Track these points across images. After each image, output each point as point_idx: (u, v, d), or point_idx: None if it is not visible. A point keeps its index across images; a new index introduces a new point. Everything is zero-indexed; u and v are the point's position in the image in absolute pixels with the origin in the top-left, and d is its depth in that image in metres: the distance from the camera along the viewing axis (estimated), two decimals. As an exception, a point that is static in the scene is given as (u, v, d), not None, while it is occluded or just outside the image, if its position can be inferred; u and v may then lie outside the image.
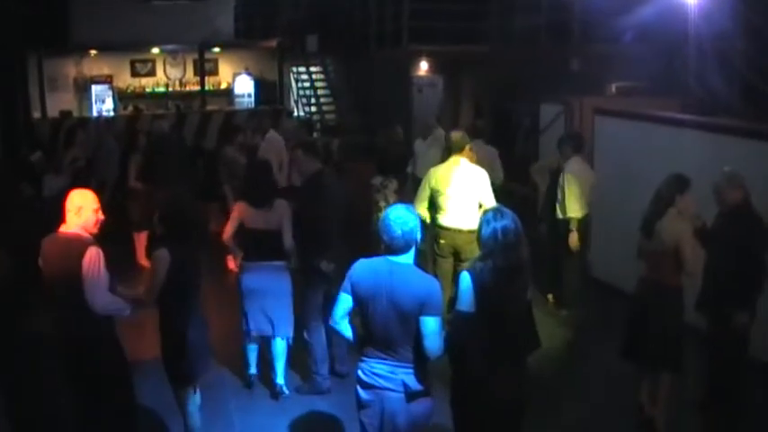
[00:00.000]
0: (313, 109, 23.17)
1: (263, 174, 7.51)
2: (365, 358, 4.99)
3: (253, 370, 7.81)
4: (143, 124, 16.81)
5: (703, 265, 6.78)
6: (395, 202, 7.93)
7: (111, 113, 20.97)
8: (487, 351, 4.97)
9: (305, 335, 7.58)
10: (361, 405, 5.08)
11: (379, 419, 4.97)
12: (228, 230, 7.34)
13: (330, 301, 7.28)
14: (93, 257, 5.59)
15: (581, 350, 8.95)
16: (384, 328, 4.83)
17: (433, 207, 8.34)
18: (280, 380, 7.60)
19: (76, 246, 5.63)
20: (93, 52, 21.30)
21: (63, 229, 5.77)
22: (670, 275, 6.61)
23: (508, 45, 16.78)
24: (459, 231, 8.17)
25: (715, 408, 7.12)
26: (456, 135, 8.42)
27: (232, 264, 7.75)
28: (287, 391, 7.60)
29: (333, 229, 7.53)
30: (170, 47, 21.71)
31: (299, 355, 7.87)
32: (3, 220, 9.46)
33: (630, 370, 7.17)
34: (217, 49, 22.23)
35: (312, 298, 7.58)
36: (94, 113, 20.99)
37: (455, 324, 5.08)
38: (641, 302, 6.83)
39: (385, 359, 4.90)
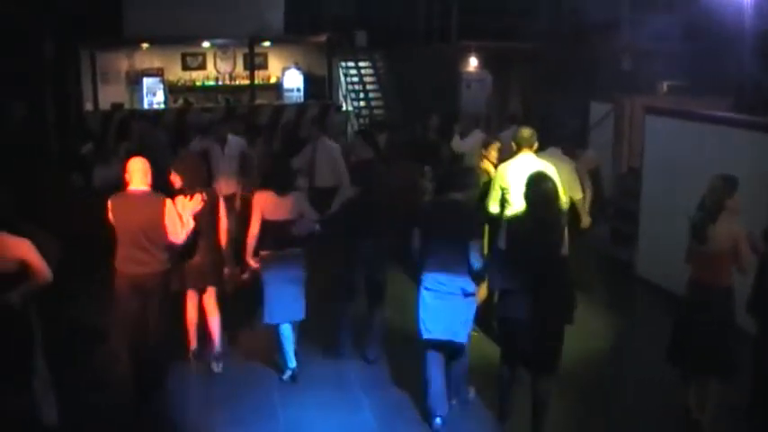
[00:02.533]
0: (362, 104, 23.18)
1: (282, 162, 7.89)
2: None
3: (292, 363, 7.86)
4: (192, 117, 16.97)
5: (757, 265, 6.69)
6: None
7: (162, 106, 21.15)
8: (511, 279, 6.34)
9: None
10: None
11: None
12: (255, 227, 7.64)
13: (372, 286, 8.15)
14: (170, 206, 7.14)
15: (626, 352, 8.86)
16: None
17: (504, 204, 8.16)
18: (292, 364, 7.81)
19: (155, 199, 7.12)
20: (144, 46, 21.48)
21: (132, 188, 7.10)
22: (722, 276, 6.54)
23: (557, 42, 16.67)
24: None
25: (762, 416, 7.00)
26: (525, 131, 8.21)
27: (252, 261, 7.78)
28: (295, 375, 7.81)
29: (381, 214, 7.91)
30: (220, 41, 21.83)
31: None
32: (54, 210, 9.60)
33: (676, 372, 7.08)
34: (267, 44, 22.30)
35: (348, 280, 8.08)
36: (145, 106, 21.19)
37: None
38: (691, 305, 6.73)
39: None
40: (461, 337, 6.81)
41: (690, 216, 6.66)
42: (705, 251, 6.51)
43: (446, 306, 6.70)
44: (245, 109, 20.41)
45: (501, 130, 11.86)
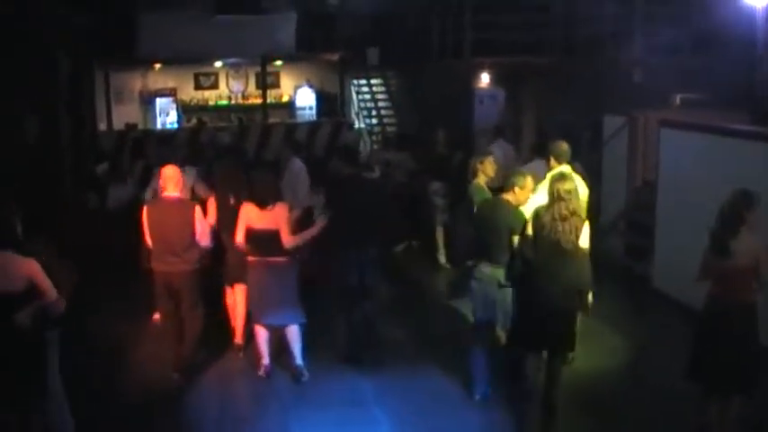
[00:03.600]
0: (374, 121, 23.22)
1: (265, 177, 8.24)
2: None
3: (266, 361, 8.39)
4: (206, 137, 17.02)
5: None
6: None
7: (175, 126, 21.23)
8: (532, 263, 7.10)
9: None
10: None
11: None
12: (239, 235, 8.10)
13: (368, 289, 8.68)
14: (200, 211, 8.10)
15: (643, 366, 8.79)
16: None
17: None
18: (299, 361, 8.31)
19: (187, 204, 8.14)
20: (157, 66, 21.61)
21: (166, 194, 8.01)
22: (745, 293, 6.47)
23: (570, 56, 16.66)
24: None
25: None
26: (564, 146, 8.53)
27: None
28: (306, 374, 8.26)
29: (362, 225, 8.40)
30: (233, 60, 21.93)
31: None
32: (70, 229, 9.63)
33: (694, 389, 6.98)
34: (279, 63, 22.39)
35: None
36: (159, 126, 21.29)
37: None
38: (713, 321, 6.65)
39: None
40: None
41: (709, 229, 6.59)
42: (726, 266, 6.44)
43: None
44: (259, 128, 20.48)
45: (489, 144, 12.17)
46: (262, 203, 7.99)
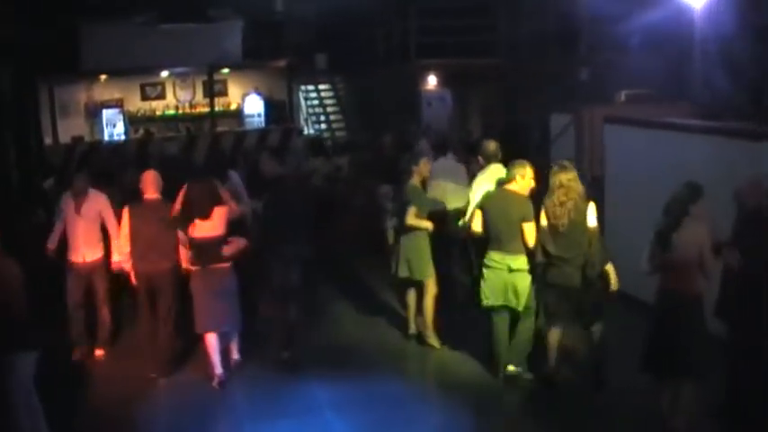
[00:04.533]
0: (323, 126, 23.24)
1: (200, 188, 8.32)
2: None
3: (219, 370, 8.39)
4: (154, 148, 16.89)
5: (722, 271, 6.75)
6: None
7: (123, 137, 21.03)
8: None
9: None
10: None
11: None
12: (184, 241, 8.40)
13: (288, 288, 8.83)
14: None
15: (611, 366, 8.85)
16: None
17: None
18: (236, 355, 8.74)
19: (167, 204, 8.39)
20: (103, 77, 21.37)
21: (147, 196, 8.49)
22: (692, 284, 6.57)
23: (516, 56, 16.81)
24: None
25: (736, 416, 7.05)
26: (492, 145, 9.08)
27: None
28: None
29: (293, 223, 8.66)
30: (179, 69, 21.77)
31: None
32: (16, 246, 9.47)
33: (650, 380, 7.09)
34: (226, 71, 22.28)
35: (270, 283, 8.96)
36: (106, 138, 21.07)
37: None
38: (663, 313, 6.76)
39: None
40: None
41: (655, 223, 6.70)
42: (671, 258, 6.55)
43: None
44: (207, 137, 20.37)
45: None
46: (201, 215, 8.17)
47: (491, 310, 8.27)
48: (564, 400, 7.98)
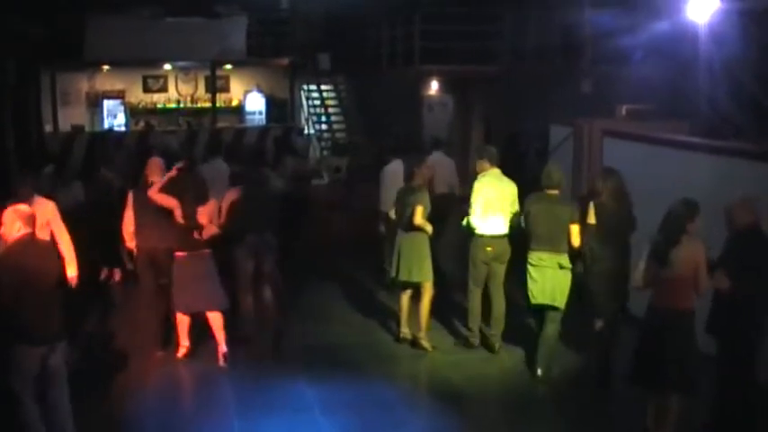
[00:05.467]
0: (324, 127, 23.26)
1: (199, 179, 9.03)
2: None
3: (187, 342, 9.00)
4: (154, 140, 16.90)
5: (713, 287, 6.78)
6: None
7: (123, 128, 21.05)
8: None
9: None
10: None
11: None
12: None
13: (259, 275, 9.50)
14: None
15: (587, 371, 8.90)
16: None
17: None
18: (224, 348, 8.84)
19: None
20: (105, 67, 21.42)
21: (153, 180, 8.80)
22: (685, 301, 6.60)
23: (518, 65, 16.84)
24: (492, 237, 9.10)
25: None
26: (493, 150, 9.54)
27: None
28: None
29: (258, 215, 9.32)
30: (182, 63, 21.83)
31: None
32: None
33: (635, 394, 7.13)
34: (228, 67, 22.32)
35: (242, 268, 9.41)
36: (106, 128, 21.08)
37: None
38: (654, 328, 6.77)
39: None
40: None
41: (651, 239, 6.73)
42: (667, 275, 6.57)
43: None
44: (207, 132, 20.39)
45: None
46: (199, 203, 8.70)
47: (538, 309, 8.60)
48: (548, 411, 8.03)
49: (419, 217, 8.98)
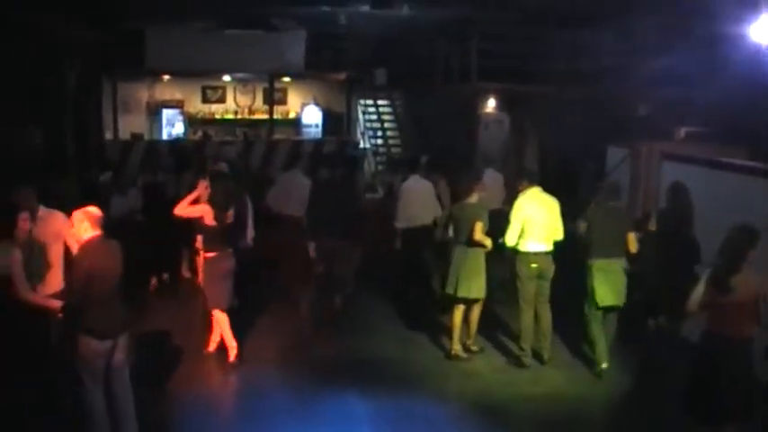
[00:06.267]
0: (379, 141, 23.30)
1: (226, 185, 9.50)
2: None
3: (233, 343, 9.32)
4: (211, 150, 17.06)
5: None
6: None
7: (181, 138, 21.30)
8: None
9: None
10: None
11: None
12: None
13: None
14: None
15: (638, 397, 8.79)
16: None
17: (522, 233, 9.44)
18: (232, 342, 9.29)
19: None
20: (165, 77, 21.69)
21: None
22: (743, 328, 6.50)
23: (574, 86, 16.74)
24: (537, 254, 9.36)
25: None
26: (533, 170, 10.65)
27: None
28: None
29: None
30: (241, 75, 22.01)
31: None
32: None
33: (687, 420, 7.00)
34: (287, 79, 22.47)
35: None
36: (164, 137, 21.35)
37: None
38: (709, 356, 6.66)
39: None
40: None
41: (709, 263, 6.62)
42: (725, 301, 6.46)
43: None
44: (264, 143, 20.56)
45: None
46: (223, 208, 9.16)
47: (606, 310, 9.18)
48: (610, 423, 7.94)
49: (479, 232, 9.13)
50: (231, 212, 9.32)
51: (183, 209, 9.27)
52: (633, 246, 9.06)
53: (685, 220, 9.29)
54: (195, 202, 9.42)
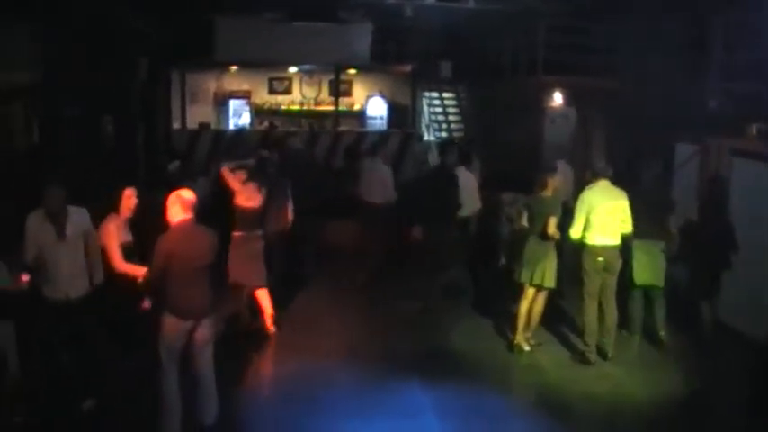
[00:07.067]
0: (443, 134, 23.27)
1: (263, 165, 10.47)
2: None
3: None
4: (276, 140, 17.21)
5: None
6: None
7: (247, 128, 21.52)
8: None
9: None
10: None
11: None
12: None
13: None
14: None
15: (704, 399, 8.69)
16: None
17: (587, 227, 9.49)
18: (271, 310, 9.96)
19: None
20: (233, 68, 21.92)
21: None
22: None
23: (643, 81, 16.51)
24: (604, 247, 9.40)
25: None
26: (600, 162, 10.11)
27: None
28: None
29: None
30: (307, 66, 22.14)
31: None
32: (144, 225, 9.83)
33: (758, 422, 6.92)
34: (352, 71, 22.55)
35: None
36: (231, 127, 21.59)
37: None
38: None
39: None
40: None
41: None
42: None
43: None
44: (329, 135, 20.68)
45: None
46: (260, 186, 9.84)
47: (644, 287, 9.82)
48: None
49: (552, 227, 9.25)
50: (262, 196, 9.81)
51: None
52: (673, 228, 9.68)
53: (721, 209, 9.85)
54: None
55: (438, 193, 10.94)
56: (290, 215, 11.12)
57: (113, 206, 7.92)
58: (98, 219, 7.85)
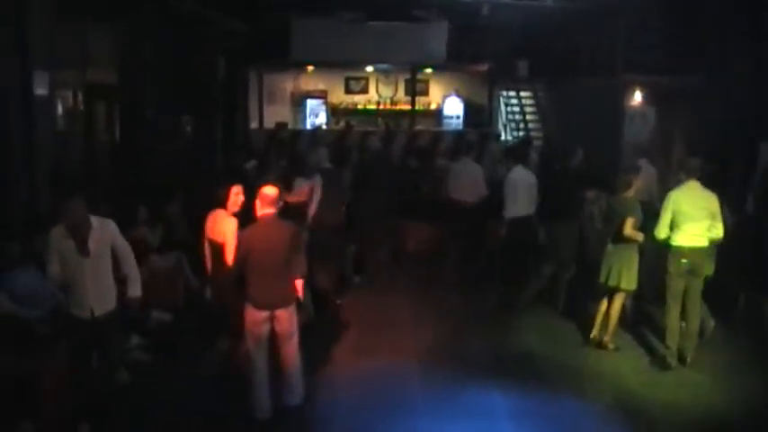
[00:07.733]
0: (521, 134, 23.11)
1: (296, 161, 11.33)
2: None
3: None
4: (353, 139, 17.29)
5: None
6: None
7: (324, 127, 21.66)
8: None
9: None
10: None
11: None
12: None
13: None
14: None
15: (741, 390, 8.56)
16: None
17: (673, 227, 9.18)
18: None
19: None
20: (310, 68, 22.10)
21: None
22: None
23: (724, 79, 16.15)
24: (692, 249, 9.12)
25: None
26: (693, 162, 9.41)
27: None
28: None
29: None
30: (383, 66, 22.20)
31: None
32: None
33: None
34: (428, 71, 22.54)
35: None
36: (308, 126, 21.75)
37: None
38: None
39: None
40: None
41: None
42: None
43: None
44: (405, 134, 20.70)
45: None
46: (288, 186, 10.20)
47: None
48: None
49: (629, 228, 9.12)
50: (305, 190, 10.30)
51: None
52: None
53: None
54: None
55: (560, 193, 11.07)
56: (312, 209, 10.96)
57: (221, 203, 8.12)
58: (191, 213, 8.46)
